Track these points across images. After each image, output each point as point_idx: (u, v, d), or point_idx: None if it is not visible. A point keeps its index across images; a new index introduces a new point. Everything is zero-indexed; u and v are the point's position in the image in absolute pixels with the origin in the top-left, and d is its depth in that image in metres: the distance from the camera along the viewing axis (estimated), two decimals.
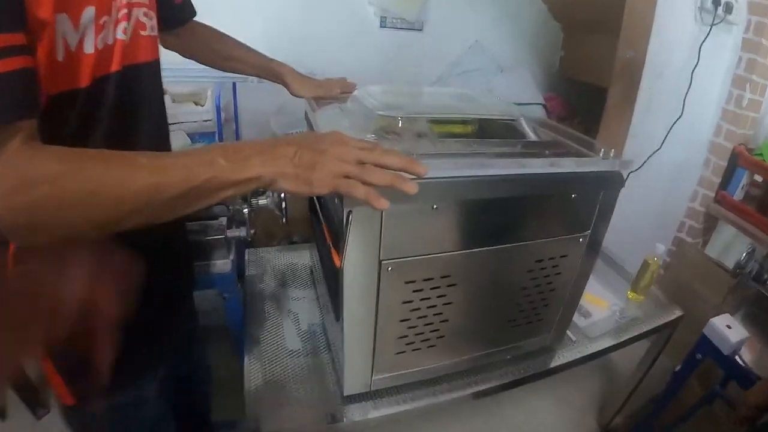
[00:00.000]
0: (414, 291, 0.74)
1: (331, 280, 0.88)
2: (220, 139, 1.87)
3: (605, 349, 1.16)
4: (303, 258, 1.35)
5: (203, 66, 1.01)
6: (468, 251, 0.74)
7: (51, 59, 0.48)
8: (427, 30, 2.56)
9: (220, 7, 2.06)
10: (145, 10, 0.63)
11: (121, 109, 0.58)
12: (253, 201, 1.20)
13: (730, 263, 1.83)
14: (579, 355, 1.11)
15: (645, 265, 1.31)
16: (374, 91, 0.86)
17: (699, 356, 1.18)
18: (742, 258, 1.49)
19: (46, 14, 0.45)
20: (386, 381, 0.88)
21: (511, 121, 0.86)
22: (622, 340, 1.19)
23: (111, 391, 0.67)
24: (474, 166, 0.66)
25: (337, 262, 0.67)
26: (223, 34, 0.99)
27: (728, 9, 1.63)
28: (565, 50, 2.80)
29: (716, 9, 1.61)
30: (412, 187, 0.52)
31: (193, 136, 1.59)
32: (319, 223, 0.94)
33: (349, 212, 0.61)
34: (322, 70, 2.24)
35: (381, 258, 0.68)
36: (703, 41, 1.63)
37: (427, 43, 2.59)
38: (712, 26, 1.62)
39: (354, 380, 0.85)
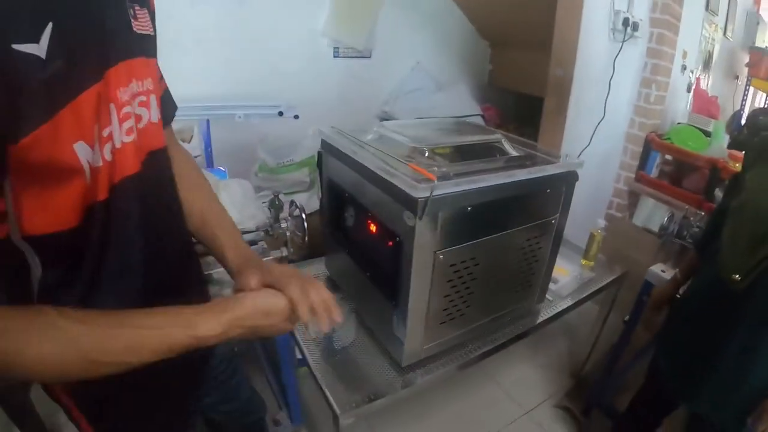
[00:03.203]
0: (454, 271, 1.02)
1: (377, 276, 1.13)
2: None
3: (575, 303, 1.50)
4: (320, 269, 1.56)
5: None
6: (486, 238, 1.03)
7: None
8: (375, 56, 2.85)
9: (174, 42, 2.17)
10: (142, 98, 0.59)
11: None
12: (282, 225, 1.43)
13: (654, 227, 2.28)
14: (557, 310, 1.45)
15: (592, 237, 1.68)
16: (398, 127, 1.14)
17: (645, 298, 1.53)
18: (665, 221, 1.91)
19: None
20: (432, 349, 1.15)
21: (496, 143, 1.18)
22: (585, 294, 1.54)
23: None
24: (487, 180, 0.96)
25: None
26: (197, 185, 0.82)
27: (635, 27, 2.05)
28: (493, 64, 3.20)
29: (626, 29, 2.03)
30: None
31: None
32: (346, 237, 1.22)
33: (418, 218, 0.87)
34: (287, 101, 2.47)
35: (434, 249, 0.95)
36: (617, 55, 2.05)
37: (375, 69, 2.87)
38: (623, 42, 2.04)
39: (411, 353, 1.11)
